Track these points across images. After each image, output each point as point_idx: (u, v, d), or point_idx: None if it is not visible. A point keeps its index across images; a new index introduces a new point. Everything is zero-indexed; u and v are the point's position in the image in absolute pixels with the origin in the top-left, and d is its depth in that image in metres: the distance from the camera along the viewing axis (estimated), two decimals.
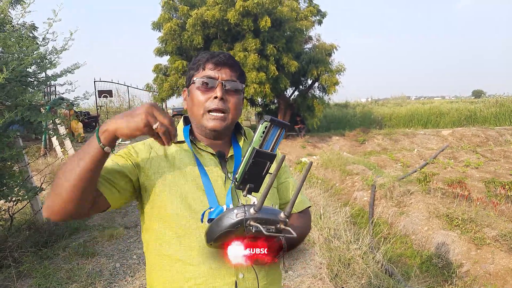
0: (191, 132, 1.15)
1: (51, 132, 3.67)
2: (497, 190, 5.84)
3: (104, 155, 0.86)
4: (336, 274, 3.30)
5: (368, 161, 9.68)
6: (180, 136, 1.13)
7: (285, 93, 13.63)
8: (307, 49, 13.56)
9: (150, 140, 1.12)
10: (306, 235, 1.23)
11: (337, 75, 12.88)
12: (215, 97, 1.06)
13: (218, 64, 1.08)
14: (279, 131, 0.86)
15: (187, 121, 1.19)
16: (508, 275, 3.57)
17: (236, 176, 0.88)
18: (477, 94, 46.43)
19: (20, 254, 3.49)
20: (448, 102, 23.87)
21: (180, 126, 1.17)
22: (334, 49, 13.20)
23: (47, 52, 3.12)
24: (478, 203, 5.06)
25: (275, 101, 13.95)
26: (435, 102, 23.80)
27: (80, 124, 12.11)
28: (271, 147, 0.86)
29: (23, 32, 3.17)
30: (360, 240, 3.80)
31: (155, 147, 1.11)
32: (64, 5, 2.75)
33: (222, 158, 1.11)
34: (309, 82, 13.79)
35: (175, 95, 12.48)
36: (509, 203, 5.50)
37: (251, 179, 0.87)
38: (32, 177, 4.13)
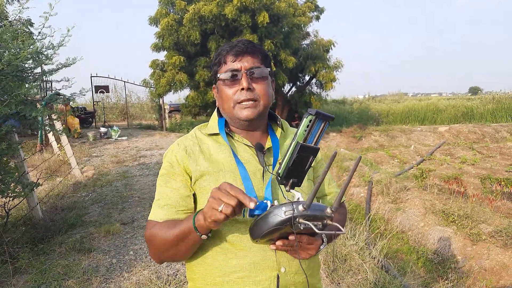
0: (226, 125, 1.12)
1: (48, 128, 3.65)
2: (493, 187, 5.87)
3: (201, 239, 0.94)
4: (333, 269, 3.32)
5: (365, 158, 9.70)
6: (215, 128, 1.11)
7: (282, 89, 13.60)
8: (304, 45, 13.52)
9: (180, 140, 1.12)
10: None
11: (334, 72, 12.85)
12: (242, 89, 1.04)
13: (238, 54, 1.06)
14: (323, 124, 0.83)
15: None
16: (503, 270, 3.60)
17: (279, 171, 0.86)
18: (474, 91, 46.49)
19: (16, 250, 3.48)
20: (445, 98, 23.86)
21: (215, 118, 1.15)
22: (332, 45, 13.16)
23: (44, 46, 3.09)
24: (474, 199, 5.09)
25: None
26: (432, 98, 23.80)
27: (77, 120, 12.07)
28: (314, 140, 0.83)
29: (19, 27, 3.14)
30: (357, 236, 3.81)
31: (189, 145, 1.09)
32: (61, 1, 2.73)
33: (260, 151, 1.08)
34: (307, 78, 13.76)
35: (172, 90, 12.42)
36: (504, 199, 5.54)
37: (294, 173, 0.84)
38: (28, 173, 4.11)
